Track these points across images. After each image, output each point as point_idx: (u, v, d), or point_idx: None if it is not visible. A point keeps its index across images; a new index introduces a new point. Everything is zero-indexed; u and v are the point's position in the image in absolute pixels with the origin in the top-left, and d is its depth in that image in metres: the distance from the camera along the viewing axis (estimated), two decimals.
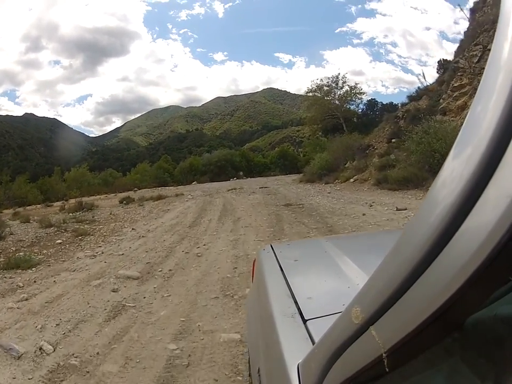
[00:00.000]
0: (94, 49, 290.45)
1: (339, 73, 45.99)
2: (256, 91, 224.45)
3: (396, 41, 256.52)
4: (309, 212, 11.56)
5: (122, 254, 7.80)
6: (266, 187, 25.29)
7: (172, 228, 10.63)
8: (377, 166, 18.18)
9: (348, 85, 41.12)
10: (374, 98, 47.38)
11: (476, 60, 17.08)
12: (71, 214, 15.64)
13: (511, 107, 0.39)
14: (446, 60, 23.03)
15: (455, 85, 17.95)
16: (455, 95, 17.70)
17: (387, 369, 0.59)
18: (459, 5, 26.01)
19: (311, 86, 42.25)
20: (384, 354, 0.58)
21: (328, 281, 1.79)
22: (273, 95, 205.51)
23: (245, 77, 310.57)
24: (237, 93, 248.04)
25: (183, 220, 12.09)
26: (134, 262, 7.02)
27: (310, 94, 42.07)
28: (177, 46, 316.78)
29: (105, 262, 7.18)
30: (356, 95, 41.62)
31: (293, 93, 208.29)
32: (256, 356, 1.66)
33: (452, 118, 16.74)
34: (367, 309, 0.61)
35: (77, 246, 9.11)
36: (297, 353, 1.07)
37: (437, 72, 23.25)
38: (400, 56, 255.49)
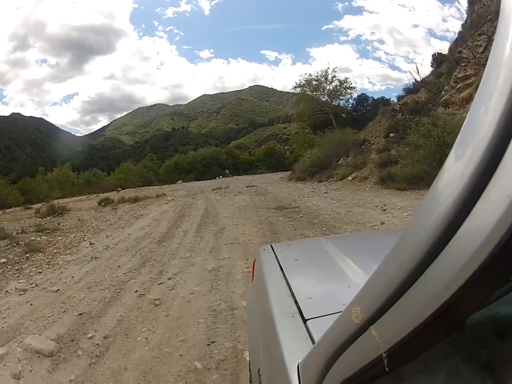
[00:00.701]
0: (81, 48, 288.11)
1: (328, 67, 43.92)
2: (242, 88, 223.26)
3: (383, 39, 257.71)
4: (309, 218, 9.76)
5: (58, 290, 5.64)
6: (253, 186, 23.96)
7: (137, 244, 8.56)
8: (378, 162, 16.91)
9: (338, 79, 38.68)
10: (365, 93, 45.41)
11: (481, 50, 16.45)
12: (40, 219, 13.96)
13: (511, 107, 0.39)
14: (441, 53, 22.44)
15: (459, 76, 17.19)
16: (458, 86, 17.00)
17: (387, 369, 0.59)
18: None
19: (300, 80, 39.62)
20: (384, 354, 0.58)
21: (328, 281, 1.77)
22: (260, 93, 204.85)
23: (231, 74, 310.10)
24: (223, 90, 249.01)
25: (153, 231, 10.09)
26: (64, 310, 4.81)
27: (298, 88, 39.25)
28: (164, 43, 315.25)
29: (30, 305, 5.10)
30: (346, 90, 39.17)
31: (279, 90, 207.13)
32: (256, 355, 1.64)
33: (456, 111, 15.98)
34: (367, 309, 0.61)
35: (18, 269, 7.12)
36: (297, 353, 1.07)
37: (431, 65, 22.54)
38: (387, 53, 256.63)
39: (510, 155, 0.38)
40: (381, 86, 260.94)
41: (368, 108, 40.16)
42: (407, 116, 17.90)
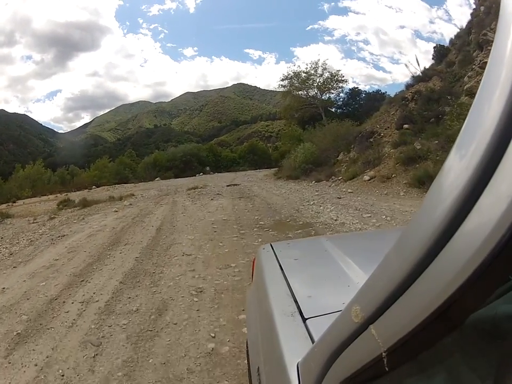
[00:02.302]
0: (66, 44, 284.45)
1: (319, 59, 40.23)
2: (225, 86, 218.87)
3: (368, 39, 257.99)
4: None
5: None
6: (235, 185, 20.94)
7: None
8: (401, 158, 13.89)
9: (329, 72, 35.05)
10: (357, 87, 41.89)
11: None
12: None
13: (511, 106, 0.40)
14: (443, 45, 21.99)
15: (486, 60, 13.14)
16: None
17: (387, 369, 0.60)
18: None
19: (288, 72, 36.21)
20: (384, 353, 0.58)
21: (328, 280, 1.71)
22: (243, 91, 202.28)
23: (215, 73, 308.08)
24: (206, 88, 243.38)
25: (38, 289, 5.43)
26: None
27: (286, 81, 35.48)
28: (148, 41, 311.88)
29: None
30: (337, 83, 35.51)
31: (262, 88, 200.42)
32: (255, 354, 1.61)
33: None
34: (367, 308, 0.61)
35: None
36: (297, 352, 1.05)
37: (432, 58, 21.95)
38: (372, 54, 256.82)
39: (510, 155, 0.38)
40: (365, 86, 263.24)
41: (362, 102, 36.51)
42: (418, 106, 16.39)
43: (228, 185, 20.17)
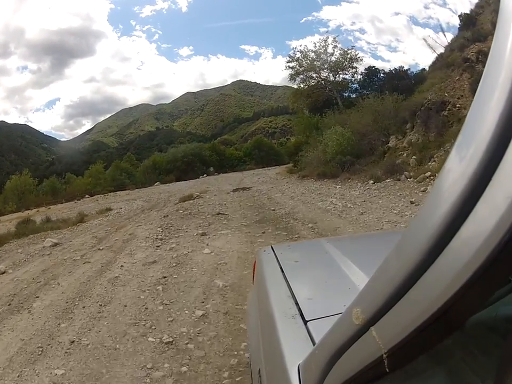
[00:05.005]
0: (61, 51, 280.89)
1: (327, 37, 35.49)
2: (225, 84, 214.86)
3: (364, 28, 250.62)
4: None
5: None
6: (245, 189, 16.26)
7: None
8: None
9: (341, 48, 30.60)
10: (374, 66, 36.56)
11: None
12: None
13: (511, 107, 0.39)
14: (467, 13, 20.42)
15: None
16: None
17: (387, 370, 0.60)
18: None
19: (294, 52, 32.85)
20: (384, 355, 0.58)
21: (328, 282, 1.70)
22: (243, 87, 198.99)
23: (212, 71, 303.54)
24: (205, 87, 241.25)
25: None
26: None
27: (292, 64, 30.85)
28: (142, 42, 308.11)
29: None
30: (351, 63, 30.70)
31: (262, 84, 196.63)
32: (256, 356, 1.58)
33: None
34: (368, 310, 0.62)
35: None
36: (298, 354, 1.03)
37: (459, 28, 20.57)
38: (369, 43, 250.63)
39: (510, 155, 0.38)
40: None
41: (381, 82, 31.44)
42: None
43: (234, 190, 15.88)
